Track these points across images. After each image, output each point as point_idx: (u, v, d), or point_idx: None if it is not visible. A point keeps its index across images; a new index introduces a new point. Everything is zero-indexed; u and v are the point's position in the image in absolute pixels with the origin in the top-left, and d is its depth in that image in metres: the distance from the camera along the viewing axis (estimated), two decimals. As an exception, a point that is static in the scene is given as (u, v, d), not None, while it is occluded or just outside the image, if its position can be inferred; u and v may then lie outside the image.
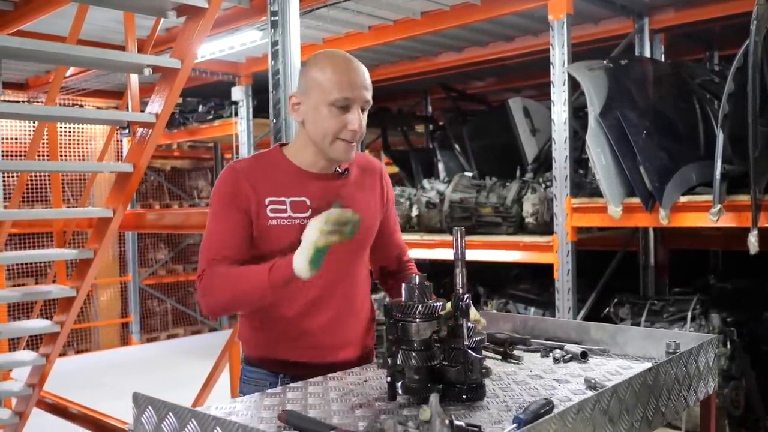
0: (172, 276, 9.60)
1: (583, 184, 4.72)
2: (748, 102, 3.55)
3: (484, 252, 4.75)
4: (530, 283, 5.67)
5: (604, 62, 4.46)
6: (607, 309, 4.70)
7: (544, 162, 5.55)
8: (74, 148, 8.22)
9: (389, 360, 1.65)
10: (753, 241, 3.60)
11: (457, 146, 6.35)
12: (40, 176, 7.65)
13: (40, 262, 7.67)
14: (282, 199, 1.89)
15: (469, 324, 1.70)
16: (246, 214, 1.87)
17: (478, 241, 4.75)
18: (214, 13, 3.21)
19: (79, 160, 8.11)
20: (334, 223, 1.70)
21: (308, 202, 1.91)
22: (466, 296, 1.72)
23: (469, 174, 5.40)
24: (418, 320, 1.65)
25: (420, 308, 1.65)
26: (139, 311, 8.99)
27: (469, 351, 1.65)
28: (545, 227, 4.66)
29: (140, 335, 8.96)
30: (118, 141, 8.46)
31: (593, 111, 4.17)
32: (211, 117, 7.23)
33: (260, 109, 6.82)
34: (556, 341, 2.19)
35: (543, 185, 4.89)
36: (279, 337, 1.95)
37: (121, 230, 5.00)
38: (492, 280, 5.92)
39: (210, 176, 10.09)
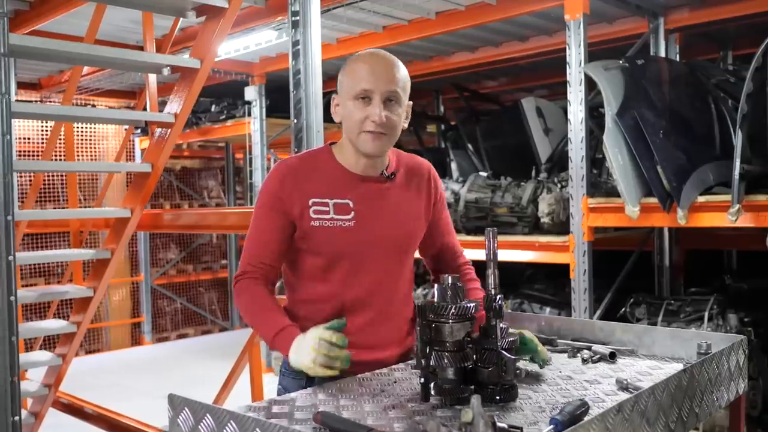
0: (183, 276, 9.62)
1: (597, 183, 4.71)
2: (767, 102, 3.54)
3: (499, 252, 4.71)
4: (545, 283, 5.65)
5: (620, 62, 4.45)
6: (623, 309, 4.68)
7: (558, 162, 5.54)
8: (85, 148, 8.23)
9: (423, 361, 1.65)
10: (772, 241, 3.58)
11: (470, 146, 6.34)
12: (51, 176, 7.67)
13: (50, 263, 7.68)
14: (325, 200, 1.91)
15: (501, 325, 1.70)
16: (288, 219, 1.91)
17: (493, 241, 4.73)
18: (234, 13, 3.22)
19: (91, 159, 8.13)
20: (326, 356, 1.71)
21: (351, 204, 1.92)
22: (498, 297, 1.72)
23: (484, 174, 5.38)
24: (451, 321, 1.64)
25: (453, 309, 1.65)
26: (151, 311, 9.01)
27: (503, 352, 1.64)
28: (561, 227, 4.65)
29: (151, 335, 8.98)
30: (129, 141, 8.48)
31: (610, 111, 4.16)
32: (224, 117, 7.23)
33: (273, 108, 6.82)
34: (582, 342, 2.19)
35: (558, 185, 4.87)
36: None
37: (138, 230, 5.01)
38: (506, 280, 5.90)
39: (220, 176, 10.10)
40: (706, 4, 4.96)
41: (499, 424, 1.25)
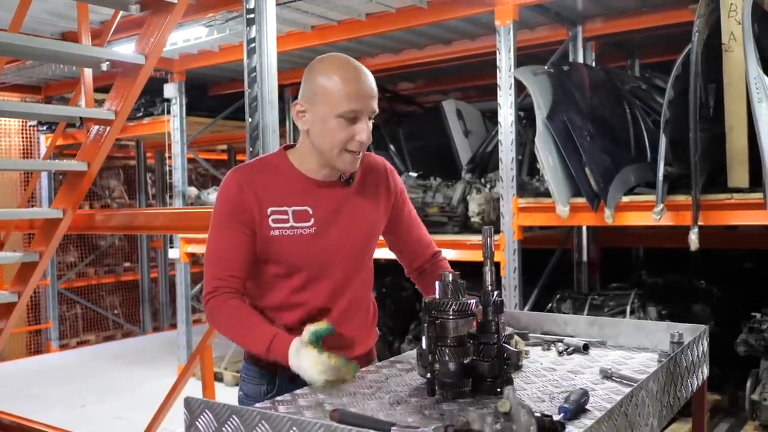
0: (84, 279, 9.18)
1: (524, 184, 4.89)
2: (688, 108, 3.78)
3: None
4: (471, 281, 5.79)
5: (546, 67, 4.64)
6: (549, 305, 4.88)
7: (480, 163, 5.71)
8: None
9: (429, 357, 1.69)
10: (693, 239, 3.84)
11: (392, 147, 6.42)
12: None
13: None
14: (284, 208, 1.88)
15: (499, 321, 1.76)
16: (249, 227, 1.86)
17: (425, 240, 4.81)
18: (183, 8, 3.13)
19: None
20: (334, 374, 1.71)
21: (311, 211, 1.90)
22: (496, 293, 1.77)
23: (414, 174, 5.47)
24: (453, 317, 1.69)
25: (454, 305, 1.69)
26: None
27: (506, 345, 1.71)
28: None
29: (58, 342, 8.53)
30: (28, 138, 8.05)
31: (540, 114, 4.32)
32: (141, 114, 6.96)
33: (191, 107, 6.66)
34: (550, 335, 2.29)
35: (487, 185, 5.02)
36: None
37: (69, 232, 4.70)
38: (433, 279, 6.00)
39: (122, 176, 9.71)
40: (618, 15, 5.25)
41: (535, 415, 1.31)
